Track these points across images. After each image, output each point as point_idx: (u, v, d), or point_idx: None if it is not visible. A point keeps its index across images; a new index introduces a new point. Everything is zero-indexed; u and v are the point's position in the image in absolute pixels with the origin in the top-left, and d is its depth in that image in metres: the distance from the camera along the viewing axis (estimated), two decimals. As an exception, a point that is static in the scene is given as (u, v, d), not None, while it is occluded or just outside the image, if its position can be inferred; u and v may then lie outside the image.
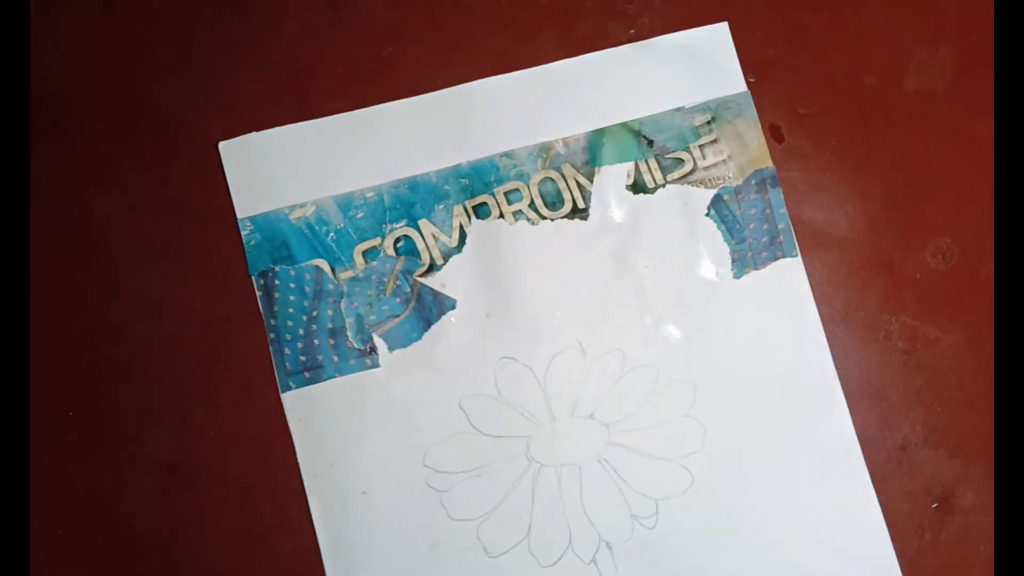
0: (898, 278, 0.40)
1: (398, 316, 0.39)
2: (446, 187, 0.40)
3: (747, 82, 0.40)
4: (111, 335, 0.39)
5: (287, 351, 0.39)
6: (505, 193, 0.40)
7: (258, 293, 0.39)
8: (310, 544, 0.38)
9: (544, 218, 0.40)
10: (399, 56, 0.40)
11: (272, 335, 0.39)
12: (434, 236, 0.39)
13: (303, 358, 0.39)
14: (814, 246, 0.40)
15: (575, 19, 0.41)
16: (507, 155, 0.40)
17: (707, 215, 0.40)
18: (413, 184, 0.39)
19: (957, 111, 0.41)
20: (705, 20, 0.41)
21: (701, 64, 0.40)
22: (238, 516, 0.38)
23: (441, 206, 0.39)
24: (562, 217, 0.40)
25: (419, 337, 0.39)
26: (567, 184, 0.40)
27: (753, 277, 0.40)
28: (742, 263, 0.40)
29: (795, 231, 0.40)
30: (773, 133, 0.41)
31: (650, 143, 0.38)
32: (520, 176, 0.40)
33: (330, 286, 0.39)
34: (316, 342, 0.39)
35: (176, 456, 0.38)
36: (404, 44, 0.40)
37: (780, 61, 0.41)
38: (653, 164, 0.40)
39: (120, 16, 0.40)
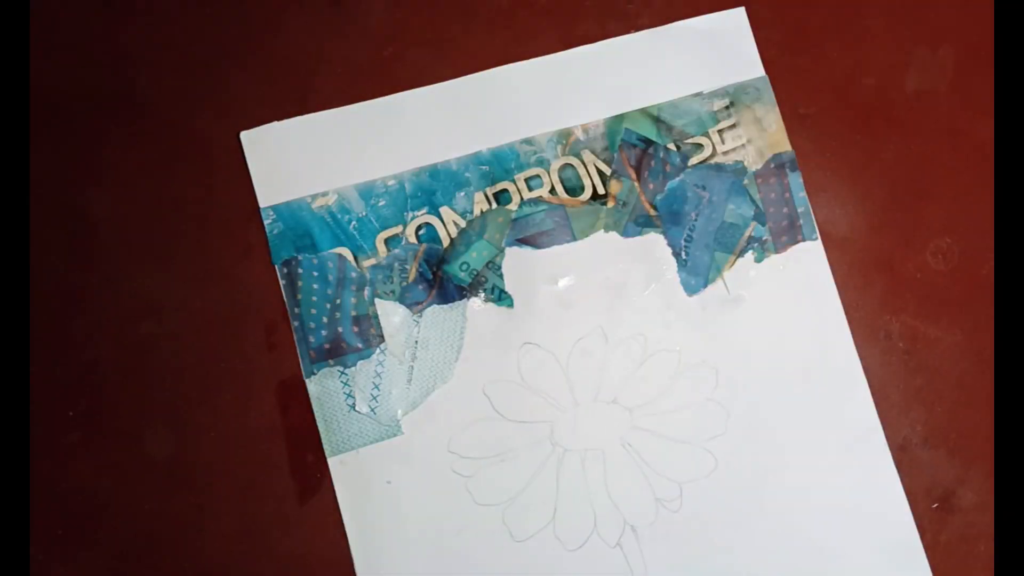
0: (898, 278, 0.40)
1: (420, 303, 0.39)
2: (467, 174, 0.40)
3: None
4: (111, 335, 0.39)
5: (311, 339, 0.39)
6: (526, 180, 0.40)
7: (281, 281, 0.39)
8: (309, 544, 0.38)
9: (564, 204, 0.40)
10: (399, 56, 0.40)
11: (296, 323, 0.39)
12: (455, 223, 0.39)
13: (327, 346, 0.39)
14: (814, 246, 0.40)
15: (575, 19, 0.41)
16: (527, 141, 0.40)
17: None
18: (434, 172, 0.40)
19: (957, 111, 0.41)
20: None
21: (718, 49, 0.41)
22: (238, 516, 0.38)
23: (462, 193, 0.40)
24: (582, 203, 0.40)
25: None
26: (587, 170, 0.40)
27: (773, 261, 0.40)
28: (762, 247, 0.40)
29: (795, 231, 0.40)
30: (773, 133, 0.41)
31: (669, 129, 0.38)
32: (540, 162, 0.40)
33: (353, 274, 0.39)
34: (340, 329, 0.39)
35: (176, 456, 0.38)
36: (404, 44, 0.40)
37: (780, 61, 0.41)
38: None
39: (120, 16, 0.40)
